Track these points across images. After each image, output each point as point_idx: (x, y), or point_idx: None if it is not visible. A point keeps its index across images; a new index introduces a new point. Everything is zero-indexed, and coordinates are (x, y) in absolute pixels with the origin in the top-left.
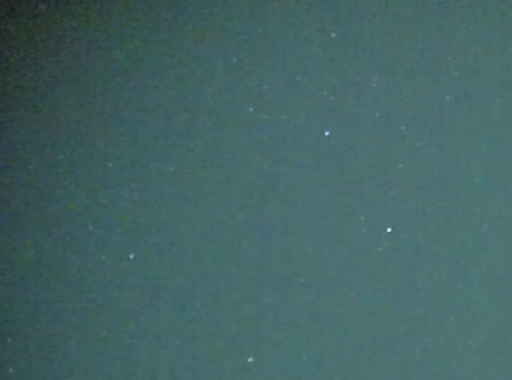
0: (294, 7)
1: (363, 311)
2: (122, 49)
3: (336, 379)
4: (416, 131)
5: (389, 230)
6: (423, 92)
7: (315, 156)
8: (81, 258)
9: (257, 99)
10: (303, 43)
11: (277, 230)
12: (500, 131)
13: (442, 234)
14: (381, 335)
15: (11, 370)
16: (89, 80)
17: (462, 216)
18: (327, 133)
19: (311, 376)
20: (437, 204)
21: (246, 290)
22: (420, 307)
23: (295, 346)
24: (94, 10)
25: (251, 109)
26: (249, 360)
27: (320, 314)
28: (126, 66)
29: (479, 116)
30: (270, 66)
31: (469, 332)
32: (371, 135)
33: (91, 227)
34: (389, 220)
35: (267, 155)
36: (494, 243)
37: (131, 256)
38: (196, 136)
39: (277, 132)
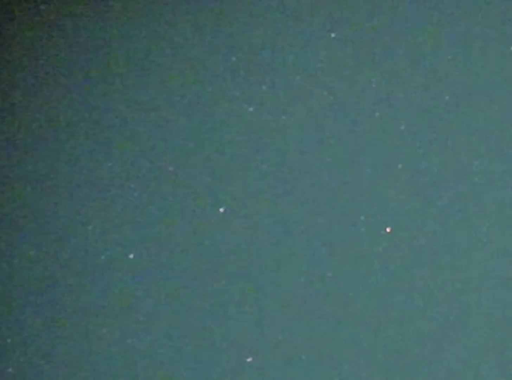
0: (294, 7)
1: (363, 311)
2: (122, 49)
3: (336, 379)
4: (416, 131)
5: (388, 230)
6: (423, 92)
7: (314, 156)
8: (81, 258)
9: (257, 99)
10: (303, 43)
11: (277, 229)
12: (500, 131)
13: (441, 234)
14: (381, 335)
15: (11, 370)
16: (89, 80)
17: (462, 216)
18: (221, 210)
19: (311, 376)
20: (437, 204)
21: (246, 290)
22: (419, 307)
23: (295, 346)
24: (94, 10)
25: (251, 109)
26: (249, 360)
27: (320, 314)
28: (125, 66)
29: (479, 116)
30: (270, 66)
31: (469, 332)
32: (371, 135)
33: (91, 227)
34: (389, 220)
35: (267, 155)
36: (494, 242)
37: (131, 256)
38: (196, 136)
39: (277, 132)
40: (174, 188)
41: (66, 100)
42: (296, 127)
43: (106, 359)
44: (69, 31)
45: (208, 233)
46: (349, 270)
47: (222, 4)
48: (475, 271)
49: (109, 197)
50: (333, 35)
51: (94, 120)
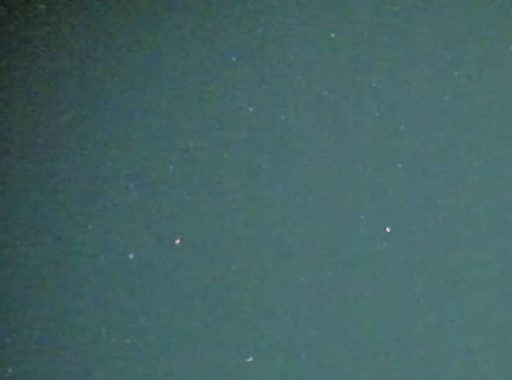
0: (294, 7)
1: (363, 310)
2: (122, 49)
3: (336, 379)
4: (416, 131)
5: (388, 229)
6: (423, 92)
7: (314, 156)
8: (81, 258)
9: (257, 99)
10: (303, 43)
11: (277, 229)
12: (500, 131)
13: (441, 234)
14: (381, 334)
15: (11, 370)
16: (89, 80)
17: (462, 216)
18: (230, 202)
19: (311, 376)
20: (437, 204)
21: (246, 290)
22: (420, 307)
23: (295, 346)
24: (94, 10)
25: (250, 109)
26: (249, 360)
27: (320, 313)
28: (125, 66)
29: (479, 116)
30: (270, 66)
31: (469, 332)
32: (371, 135)
33: (91, 227)
34: (389, 220)
35: (267, 155)
36: (494, 242)
37: (131, 256)
38: (195, 136)
39: (277, 132)
40: (174, 188)
41: (66, 100)
42: (296, 127)
43: (105, 359)
44: (69, 31)
45: (211, 233)
46: (349, 270)
47: (222, 4)
48: (476, 271)
49: (109, 197)
50: (333, 35)
51: (94, 120)
